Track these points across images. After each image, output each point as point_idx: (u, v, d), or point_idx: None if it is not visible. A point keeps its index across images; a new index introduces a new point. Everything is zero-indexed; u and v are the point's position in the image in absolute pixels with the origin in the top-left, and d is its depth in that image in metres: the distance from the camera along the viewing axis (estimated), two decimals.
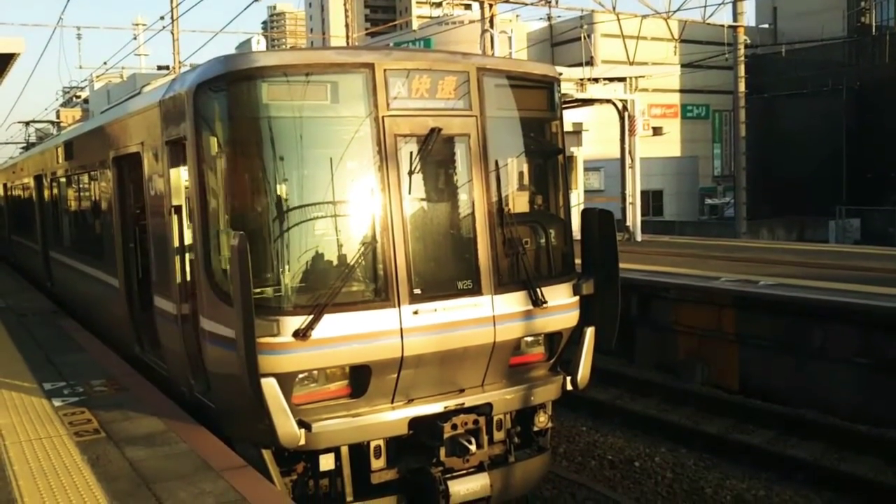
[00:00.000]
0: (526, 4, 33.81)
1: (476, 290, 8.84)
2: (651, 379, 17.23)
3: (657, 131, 36.10)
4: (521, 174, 10.08)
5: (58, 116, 75.34)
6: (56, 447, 8.46)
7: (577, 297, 9.69)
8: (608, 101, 28.06)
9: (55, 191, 18.64)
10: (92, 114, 71.57)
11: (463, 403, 8.92)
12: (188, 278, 9.29)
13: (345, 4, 35.26)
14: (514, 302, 9.08)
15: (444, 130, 8.74)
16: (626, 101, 27.91)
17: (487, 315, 8.87)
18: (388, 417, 8.59)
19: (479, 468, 9.07)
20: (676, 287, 17.85)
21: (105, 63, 67.27)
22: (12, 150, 71.33)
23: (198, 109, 8.55)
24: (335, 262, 8.51)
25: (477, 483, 8.93)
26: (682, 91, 69.70)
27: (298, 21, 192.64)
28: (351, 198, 8.63)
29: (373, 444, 8.60)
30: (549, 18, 69.30)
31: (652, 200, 49.00)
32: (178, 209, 9.49)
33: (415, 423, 8.67)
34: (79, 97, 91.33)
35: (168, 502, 6.98)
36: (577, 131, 30.87)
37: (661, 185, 51.40)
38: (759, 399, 15.35)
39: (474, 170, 8.96)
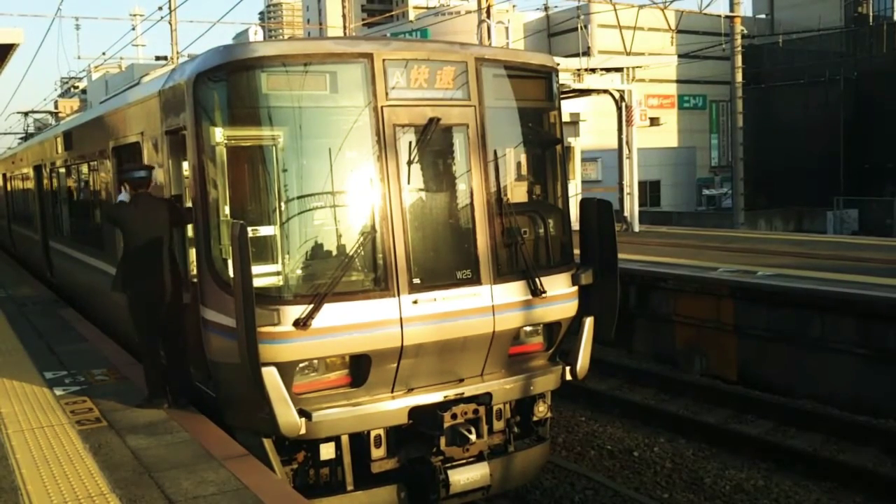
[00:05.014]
0: None
1: (475, 280, 8.86)
2: (649, 369, 17.25)
3: (654, 122, 36.18)
4: (519, 164, 10.11)
5: (56, 107, 75.30)
6: (58, 436, 8.51)
7: (576, 287, 9.71)
8: (605, 91, 28.00)
9: (55, 181, 18.64)
10: (89, 104, 71.53)
11: (462, 393, 8.95)
12: (189, 268, 9.34)
13: None
14: (513, 291, 9.11)
15: (442, 120, 8.77)
16: (623, 91, 27.83)
17: (487, 304, 8.90)
18: (388, 407, 8.62)
19: (479, 458, 9.10)
20: (674, 277, 17.85)
21: (104, 53, 67.10)
22: (11, 141, 71.35)
23: (198, 99, 8.56)
24: (335, 252, 8.55)
25: (477, 472, 8.97)
26: (678, 81, 69.71)
27: (295, 11, 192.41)
28: (350, 187, 8.67)
29: (373, 434, 8.63)
30: (546, 8, 69.28)
31: (649, 191, 48.91)
32: (177, 199, 9.52)
33: (415, 412, 8.71)
34: (76, 87, 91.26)
35: (171, 490, 7.02)
36: (575, 121, 30.88)
37: (658, 176, 51.31)
38: (758, 389, 15.37)
39: (473, 159, 8.99)
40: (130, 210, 9.25)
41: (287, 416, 7.95)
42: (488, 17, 29.47)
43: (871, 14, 61.18)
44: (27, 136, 59.07)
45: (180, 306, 9.18)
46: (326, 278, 8.19)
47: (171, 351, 9.42)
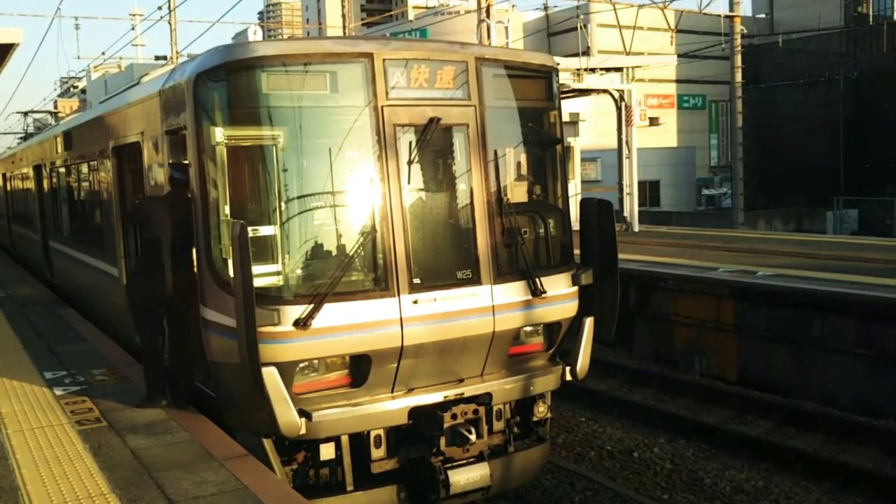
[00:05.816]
0: None
1: (475, 280, 8.86)
2: (649, 369, 17.25)
3: (654, 122, 36.07)
4: (519, 164, 10.10)
5: (55, 107, 75.30)
6: (58, 436, 8.50)
7: (576, 287, 9.70)
8: (605, 91, 27.99)
9: (55, 181, 18.64)
10: (89, 104, 71.53)
11: (463, 393, 8.95)
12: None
13: None
14: (513, 291, 9.10)
15: (442, 120, 8.77)
16: (622, 91, 27.83)
17: (487, 305, 8.90)
18: (388, 407, 8.62)
19: (479, 458, 9.10)
20: (674, 278, 17.85)
21: (103, 53, 67.15)
22: (11, 141, 71.38)
23: (198, 99, 8.55)
24: (335, 252, 8.54)
25: (477, 473, 8.96)
26: (678, 81, 69.64)
27: (294, 11, 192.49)
28: (350, 187, 8.66)
29: (373, 434, 8.63)
30: (546, 8, 69.26)
31: (649, 191, 48.93)
32: None
33: (415, 412, 8.70)
34: (76, 87, 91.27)
35: (170, 490, 7.01)
36: (574, 121, 30.86)
37: (658, 176, 51.34)
38: (758, 390, 15.36)
39: (473, 159, 8.98)
40: (156, 207, 9.25)
41: (287, 416, 7.95)
42: (488, 16, 29.49)
43: (871, 14, 61.18)
44: (27, 136, 59.07)
45: (188, 308, 9.14)
46: (326, 278, 8.18)
47: (175, 352, 9.40)
